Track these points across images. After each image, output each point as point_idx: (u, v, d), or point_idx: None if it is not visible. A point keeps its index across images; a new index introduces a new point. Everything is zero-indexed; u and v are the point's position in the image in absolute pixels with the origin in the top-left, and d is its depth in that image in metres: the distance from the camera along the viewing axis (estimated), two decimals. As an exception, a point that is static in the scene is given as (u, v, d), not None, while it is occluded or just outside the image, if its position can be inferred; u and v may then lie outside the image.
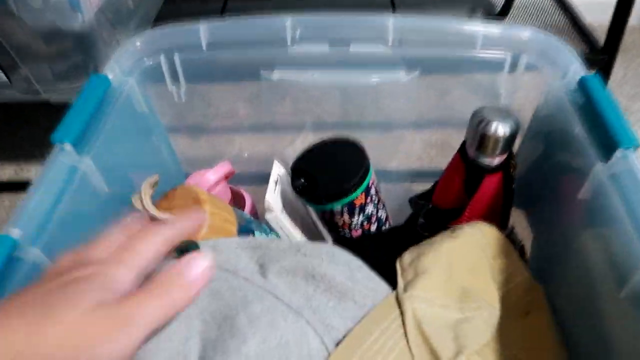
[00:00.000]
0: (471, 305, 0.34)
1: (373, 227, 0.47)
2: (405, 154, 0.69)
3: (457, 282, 0.35)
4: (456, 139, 0.49)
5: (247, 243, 0.34)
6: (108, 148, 0.40)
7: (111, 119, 0.41)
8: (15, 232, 0.32)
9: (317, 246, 0.34)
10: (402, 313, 0.32)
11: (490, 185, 0.45)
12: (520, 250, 0.46)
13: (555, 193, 0.45)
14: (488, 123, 0.41)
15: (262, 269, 0.32)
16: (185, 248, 0.30)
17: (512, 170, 0.45)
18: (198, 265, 0.28)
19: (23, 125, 0.68)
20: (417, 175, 0.67)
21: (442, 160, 0.55)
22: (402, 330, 0.31)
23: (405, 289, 0.33)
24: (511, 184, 0.45)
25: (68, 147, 0.36)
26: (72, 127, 0.37)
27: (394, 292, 0.33)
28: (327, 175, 0.43)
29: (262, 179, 0.52)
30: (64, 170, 0.36)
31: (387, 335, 0.30)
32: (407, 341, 0.30)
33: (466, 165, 0.45)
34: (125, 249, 0.28)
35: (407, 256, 0.36)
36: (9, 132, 0.78)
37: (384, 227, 0.49)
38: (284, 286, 0.30)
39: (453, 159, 0.47)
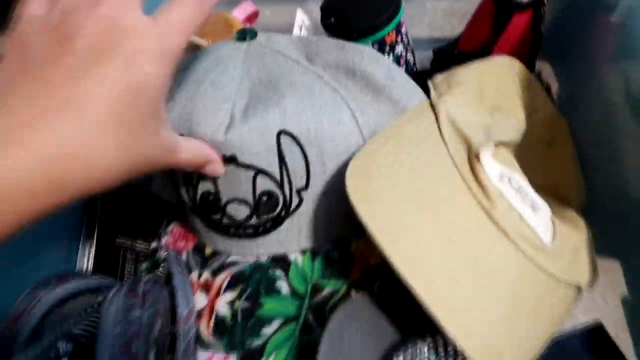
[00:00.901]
0: (501, 117, 0.36)
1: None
2: (427, 22, 0.68)
3: (487, 98, 0.36)
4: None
5: (297, 39, 0.37)
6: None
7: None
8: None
9: (360, 46, 0.36)
10: (435, 114, 0.33)
11: (519, 24, 0.44)
12: (547, 90, 0.46)
13: (583, 33, 0.45)
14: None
15: (309, 60, 0.35)
16: (244, 34, 0.34)
17: (542, 8, 0.44)
18: None
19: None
20: (437, 43, 0.66)
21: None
22: (435, 126, 0.32)
23: (438, 97, 0.34)
24: (540, 23, 0.45)
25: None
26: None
27: (428, 99, 0.35)
28: (358, 11, 0.43)
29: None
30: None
31: (421, 128, 0.32)
32: (440, 132, 0.32)
33: (495, 3, 0.44)
34: None
35: (439, 76, 0.37)
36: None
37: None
38: (326, 73, 0.33)
39: (482, 1, 0.47)
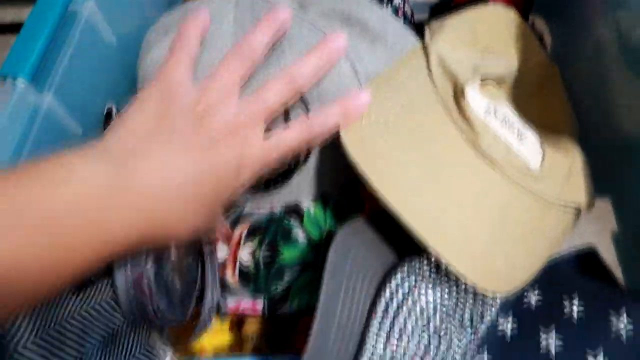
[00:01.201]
0: (492, 58, 0.37)
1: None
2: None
3: (480, 42, 0.38)
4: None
5: None
6: None
7: None
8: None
9: None
10: (427, 55, 0.35)
11: (513, -26, 0.46)
12: (540, 40, 0.48)
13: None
14: None
15: (302, 8, 0.35)
16: None
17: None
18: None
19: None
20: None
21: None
22: (425, 66, 0.34)
23: (431, 38, 0.36)
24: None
25: None
26: None
27: (421, 42, 0.36)
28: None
29: None
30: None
31: (412, 70, 0.34)
32: (430, 72, 0.33)
33: (491, -45, 0.46)
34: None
35: (435, 21, 0.39)
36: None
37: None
38: (321, 23, 0.34)
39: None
